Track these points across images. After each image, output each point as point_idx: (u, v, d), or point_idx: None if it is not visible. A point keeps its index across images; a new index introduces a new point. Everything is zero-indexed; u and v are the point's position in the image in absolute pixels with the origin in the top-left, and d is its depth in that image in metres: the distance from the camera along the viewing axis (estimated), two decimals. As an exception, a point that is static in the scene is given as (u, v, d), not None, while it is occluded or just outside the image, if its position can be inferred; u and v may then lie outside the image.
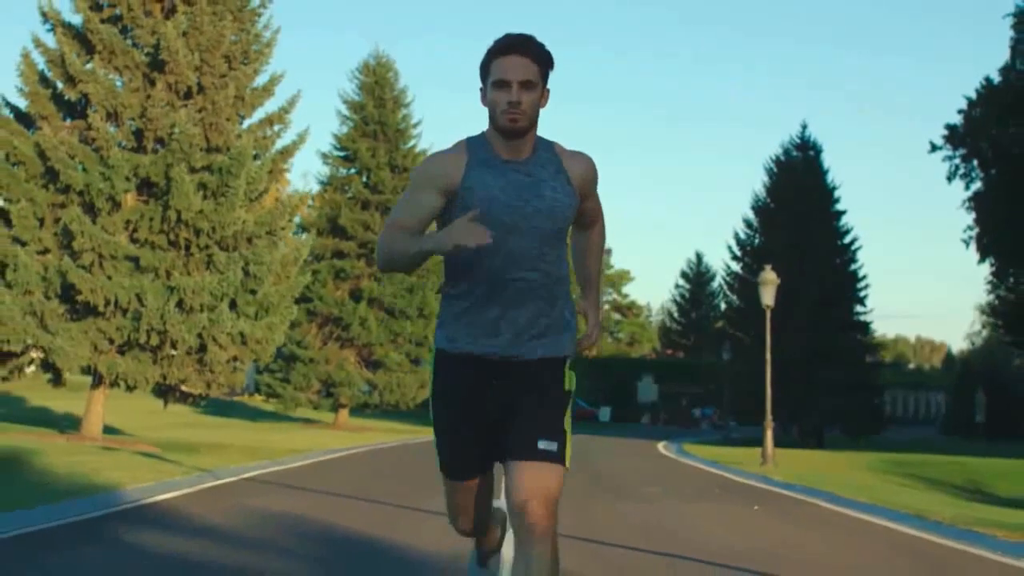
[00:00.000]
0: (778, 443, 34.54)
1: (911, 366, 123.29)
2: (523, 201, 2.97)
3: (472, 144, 3.05)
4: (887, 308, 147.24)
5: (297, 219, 32.22)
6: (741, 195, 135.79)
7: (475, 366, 3.02)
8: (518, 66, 2.91)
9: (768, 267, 20.35)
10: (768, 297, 19.72)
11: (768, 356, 20.38)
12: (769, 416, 20.08)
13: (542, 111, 3.01)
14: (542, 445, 2.92)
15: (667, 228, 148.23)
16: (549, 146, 3.09)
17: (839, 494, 11.76)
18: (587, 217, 3.25)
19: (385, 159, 34.44)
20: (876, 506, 10.42)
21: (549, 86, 3.03)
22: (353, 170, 35.01)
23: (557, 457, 2.93)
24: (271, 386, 33.32)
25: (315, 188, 35.55)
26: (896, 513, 9.66)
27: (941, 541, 7.66)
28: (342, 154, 35.13)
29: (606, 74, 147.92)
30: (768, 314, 20.16)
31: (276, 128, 18.71)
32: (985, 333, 74.73)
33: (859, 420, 42.75)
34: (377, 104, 34.97)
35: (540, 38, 3.03)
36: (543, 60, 2.96)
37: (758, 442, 23.77)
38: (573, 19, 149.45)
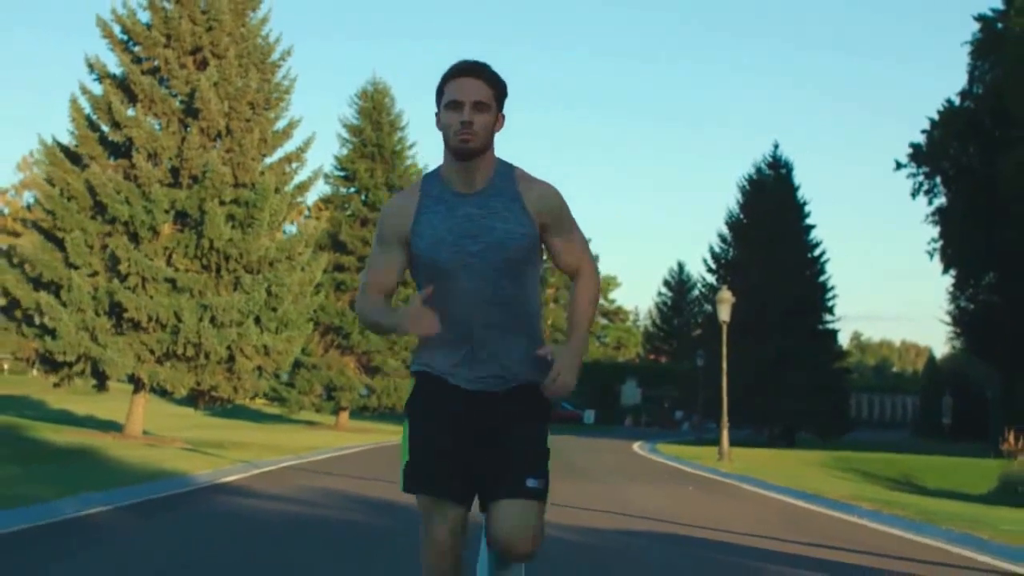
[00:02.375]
0: (750, 443, 37.43)
1: (894, 369, 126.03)
2: (471, 238, 2.95)
3: (426, 181, 3.05)
4: (874, 311, 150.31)
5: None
6: (724, 204, 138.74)
7: (455, 391, 3.02)
8: (471, 87, 2.92)
9: (725, 287, 23.10)
10: (724, 313, 22.45)
11: (724, 365, 23.06)
12: (725, 417, 22.79)
13: (497, 136, 3.00)
14: (531, 483, 2.94)
15: (655, 233, 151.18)
16: (508, 171, 3.05)
17: (765, 480, 14.46)
18: (564, 260, 3.12)
19: (382, 179, 37.11)
20: (788, 488, 13.12)
21: (505, 113, 3.02)
22: (352, 189, 37.69)
23: (542, 495, 2.97)
24: (276, 390, 35.86)
25: (311, 199, 38.26)
26: (799, 492, 12.37)
27: (815, 509, 10.39)
28: (342, 174, 37.79)
29: (602, 78, 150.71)
30: (724, 328, 22.89)
31: (294, 166, 21.39)
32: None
33: (827, 422, 45.46)
34: (375, 128, 37.62)
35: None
36: (496, 85, 2.97)
37: (730, 442, 26.35)
38: (569, 23, 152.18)
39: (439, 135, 2.96)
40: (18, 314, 19.55)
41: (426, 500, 2.96)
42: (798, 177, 47.79)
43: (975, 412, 59.41)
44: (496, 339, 2.99)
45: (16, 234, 73.03)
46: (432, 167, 3.11)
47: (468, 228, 2.96)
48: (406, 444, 3.04)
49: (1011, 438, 19.52)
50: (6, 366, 61.74)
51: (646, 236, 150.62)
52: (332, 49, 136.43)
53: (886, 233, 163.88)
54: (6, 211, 75.25)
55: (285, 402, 36.00)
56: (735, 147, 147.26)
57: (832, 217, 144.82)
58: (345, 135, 37.82)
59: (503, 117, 3.01)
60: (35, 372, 23.02)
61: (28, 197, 76.10)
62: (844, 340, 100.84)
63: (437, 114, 2.98)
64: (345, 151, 37.76)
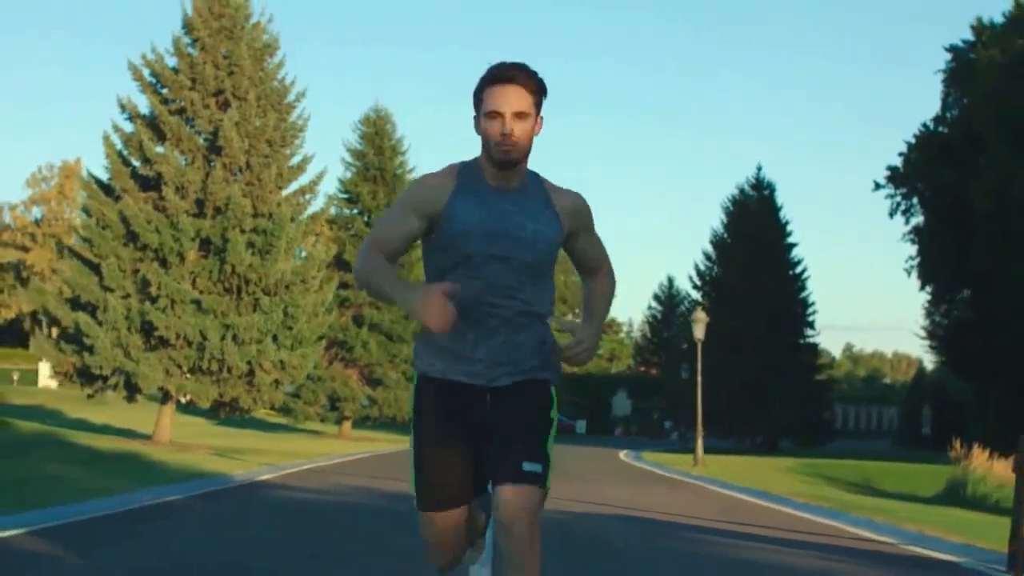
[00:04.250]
0: (734, 451, 39.46)
1: (886, 380, 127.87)
2: (504, 232, 2.96)
3: (463, 170, 3.04)
4: (870, 322, 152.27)
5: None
6: (715, 217, 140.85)
7: (457, 390, 3.03)
8: (511, 96, 2.90)
9: (699, 308, 25.22)
10: (699, 332, 24.56)
11: (699, 379, 25.17)
12: (699, 426, 24.84)
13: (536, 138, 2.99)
14: (527, 467, 2.93)
15: (648, 247, 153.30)
16: (536, 178, 3.08)
17: (728, 482, 16.53)
18: (587, 262, 3.22)
19: (385, 201, 39.19)
20: (745, 488, 15.18)
21: (544, 115, 3.00)
22: (356, 211, 39.84)
23: (541, 479, 2.95)
24: (284, 401, 37.84)
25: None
26: (750, 490, 14.44)
27: (755, 501, 12.46)
28: (346, 196, 39.94)
29: (602, 82, 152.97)
30: (699, 346, 25.00)
31: (307, 197, 23.53)
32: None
33: (808, 432, 47.65)
34: (377, 152, 39.81)
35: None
36: (536, 89, 2.95)
37: (713, 450, 28.53)
38: (572, 28, 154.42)
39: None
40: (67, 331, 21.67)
41: (434, 512, 3.08)
42: (785, 193, 50.26)
43: (954, 423, 61.36)
44: (506, 333, 3.01)
45: (25, 248, 75.26)
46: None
47: (502, 223, 2.97)
48: (414, 461, 3.13)
49: (957, 445, 21.55)
50: (15, 376, 63.76)
51: (640, 249, 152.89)
52: (334, 53, 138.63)
53: (882, 243, 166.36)
54: (14, 225, 77.52)
55: (291, 412, 38.02)
56: (723, 163, 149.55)
57: (829, 227, 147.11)
58: (349, 159, 39.98)
59: (542, 119, 3.02)
60: (53, 383, 24.98)
61: (36, 212, 78.52)
62: (836, 351, 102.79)
63: (476, 117, 2.98)
64: (349, 174, 39.90)
